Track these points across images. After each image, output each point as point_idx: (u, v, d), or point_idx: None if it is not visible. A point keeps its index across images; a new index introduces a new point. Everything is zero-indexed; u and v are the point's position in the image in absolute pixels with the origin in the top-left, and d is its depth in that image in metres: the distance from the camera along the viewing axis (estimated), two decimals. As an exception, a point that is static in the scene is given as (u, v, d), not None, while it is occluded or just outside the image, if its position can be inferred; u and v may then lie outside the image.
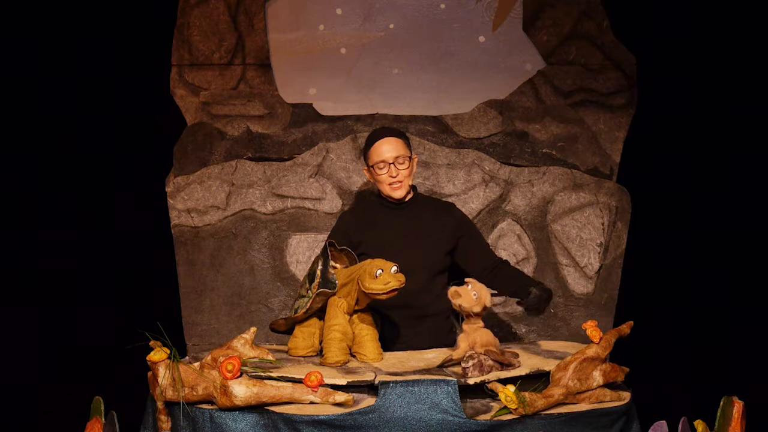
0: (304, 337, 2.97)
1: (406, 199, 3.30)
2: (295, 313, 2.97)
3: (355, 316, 2.92)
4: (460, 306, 2.76)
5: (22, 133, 4.01)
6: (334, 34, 3.95)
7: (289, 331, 3.07)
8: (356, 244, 3.22)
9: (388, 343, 3.07)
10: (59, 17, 3.96)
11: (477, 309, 2.76)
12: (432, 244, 3.26)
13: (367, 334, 2.90)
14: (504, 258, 3.73)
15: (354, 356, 2.92)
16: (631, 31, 3.93)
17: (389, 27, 3.94)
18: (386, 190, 3.25)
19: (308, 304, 2.90)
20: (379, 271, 2.73)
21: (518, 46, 3.94)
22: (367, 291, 2.75)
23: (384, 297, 2.76)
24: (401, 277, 2.74)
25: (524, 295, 3.11)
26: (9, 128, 4.00)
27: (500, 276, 3.21)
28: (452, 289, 2.78)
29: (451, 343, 3.24)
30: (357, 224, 3.30)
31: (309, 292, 2.92)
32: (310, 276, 2.96)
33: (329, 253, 2.92)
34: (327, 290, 2.87)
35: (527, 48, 3.95)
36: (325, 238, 3.37)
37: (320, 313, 2.96)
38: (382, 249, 3.10)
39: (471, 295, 2.76)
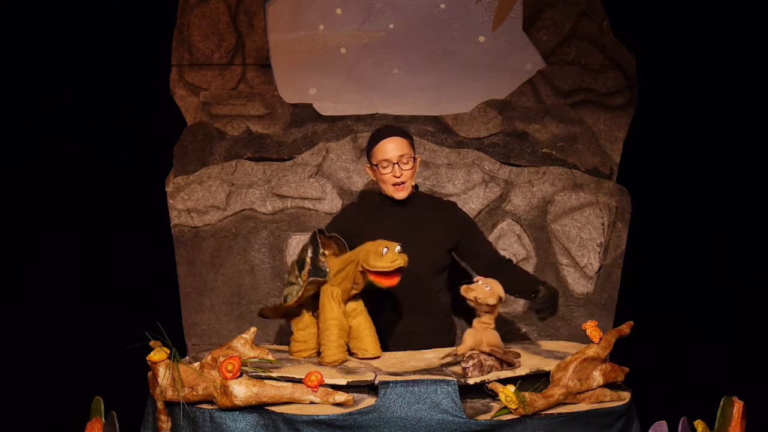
0: (305, 339, 2.95)
1: (408, 197, 3.30)
2: (285, 301, 2.93)
3: (349, 308, 2.89)
4: (475, 298, 2.74)
5: (21, 135, 4.01)
6: (334, 34, 3.95)
7: (279, 317, 3.04)
8: (355, 237, 3.21)
9: (388, 342, 3.07)
10: (59, 17, 3.96)
11: (492, 300, 2.74)
12: (433, 242, 3.26)
13: (366, 328, 2.89)
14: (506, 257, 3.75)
15: (351, 353, 2.90)
16: (631, 31, 3.93)
17: (389, 27, 3.94)
18: (389, 190, 3.25)
19: (300, 293, 2.87)
20: (385, 250, 2.73)
21: (518, 46, 3.94)
22: (374, 269, 2.73)
23: (388, 280, 2.74)
24: (405, 257, 2.74)
25: (531, 294, 3.12)
26: (7, 130, 4.00)
27: (505, 274, 3.16)
28: (463, 287, 2.77)
29: (451, 342, 3.25)
30: (358, 219, 3.29)
31: (299, 279, 2.87)
32: (299, 263, 2.91)
33: (319, 241, 2.91)
34: (318, 278, 2.84)
35: (527, 48, 3.95)
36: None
37: (312, 301, 2.93)
38: None
39: (483, 287, 2.75)
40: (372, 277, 2.77)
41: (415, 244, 3.21)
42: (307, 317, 2.96)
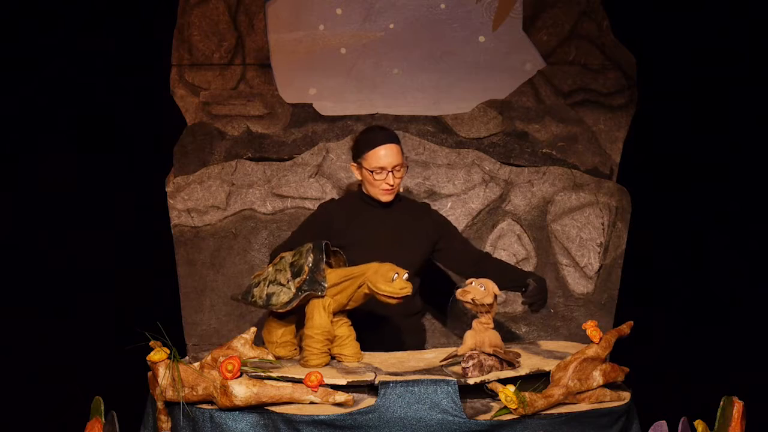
0: (284, 347, 2.92)
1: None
2: (269, 302, 2.84)
3: (335, 317, 2.84)
4: (472, 300, 2.74)
5: (21, 134, 4.01)
6: (334, 34, 3.95)
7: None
8: (339, 237, 3.20)
9: (363, 344, 3.03)
10: (59, 17, 3.96)
11: (489, 299, 2.74)
12: (413, 245, 3.26)
13: (348, 336, 2.88)
14: (502, 257, 3.75)
15: (332, 356, 2.88)
16: (631, 31, 3.93)
17: (389, 27, 3.94)
18: (377, 193, 3.24)
19: (294, 304, 2.81)
20: (395, 276, 2.72)
21: (518, 46, 3.94)
22: (382, 293, 2.71)
23: (394, 301, 2.74)
24: (411, 285, 2.75)
25: (521, 288, 3.13)
26: (7, 130, 4.00)
27: (492, 270, 3.17)
28: (459, 291, 2.77)
29: (422, 342, 3.37)
30: (340, 217, 3.28)
31: (290, 284, 2.81)
32: (294, 268, 2.84)
33: (323, 254, 2.84)
34: (315, 293, 2.79)
35: (527, 48, 3.95)
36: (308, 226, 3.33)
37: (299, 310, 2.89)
38: (365, 247, 3.11)
39: (478, 288, 2.75)
40: (378, 297, 2.76)
41: (397, 246, 3.22)
42: (282, 328, 2.91)
